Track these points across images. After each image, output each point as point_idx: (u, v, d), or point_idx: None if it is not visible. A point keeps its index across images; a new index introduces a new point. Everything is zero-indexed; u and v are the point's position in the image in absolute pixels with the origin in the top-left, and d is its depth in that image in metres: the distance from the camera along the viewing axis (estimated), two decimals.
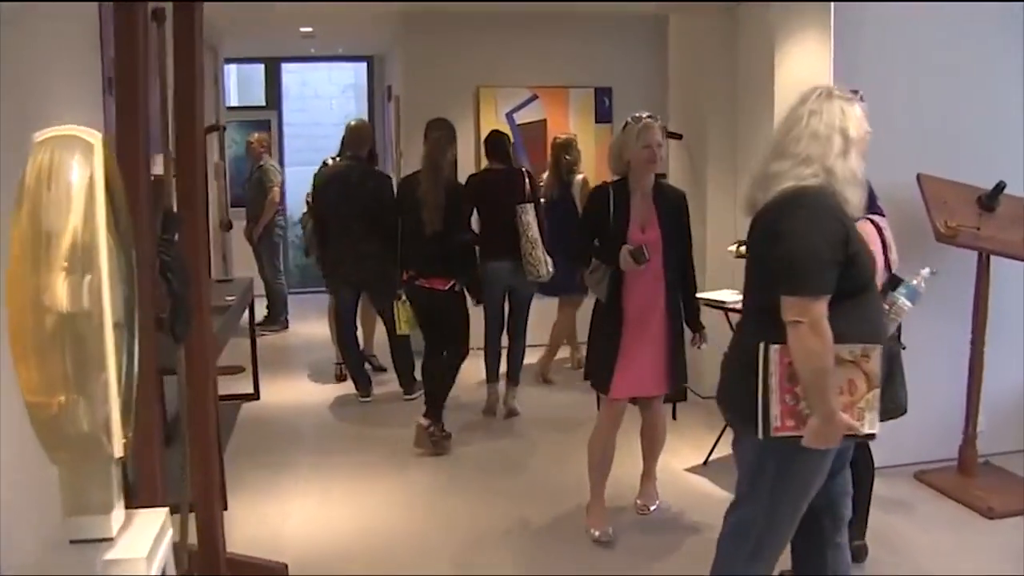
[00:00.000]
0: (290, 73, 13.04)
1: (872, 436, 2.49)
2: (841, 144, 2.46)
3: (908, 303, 3.06)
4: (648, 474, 4.28)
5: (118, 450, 2.01)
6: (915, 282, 3.11)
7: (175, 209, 3.12)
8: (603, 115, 7.57)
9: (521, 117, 7.44)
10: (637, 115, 3.84)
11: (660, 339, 3.86)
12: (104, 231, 1.94)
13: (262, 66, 11.06)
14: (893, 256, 3.30)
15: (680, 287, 3.93)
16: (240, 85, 13.63)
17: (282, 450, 5.21)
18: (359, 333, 6.55)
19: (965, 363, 4.36)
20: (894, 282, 3.18)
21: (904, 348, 3.28)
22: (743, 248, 4.52)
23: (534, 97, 7.48)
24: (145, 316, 2.89)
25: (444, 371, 5.22)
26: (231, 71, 12.74)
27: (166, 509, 2.37)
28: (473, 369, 5.73)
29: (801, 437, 2.41)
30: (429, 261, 5.11)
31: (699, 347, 4.07)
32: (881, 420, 3.32)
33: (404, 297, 5.33)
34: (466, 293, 5.35)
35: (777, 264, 2.41)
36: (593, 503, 3.99)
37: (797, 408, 2.41)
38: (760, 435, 2.43)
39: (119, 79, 2.71)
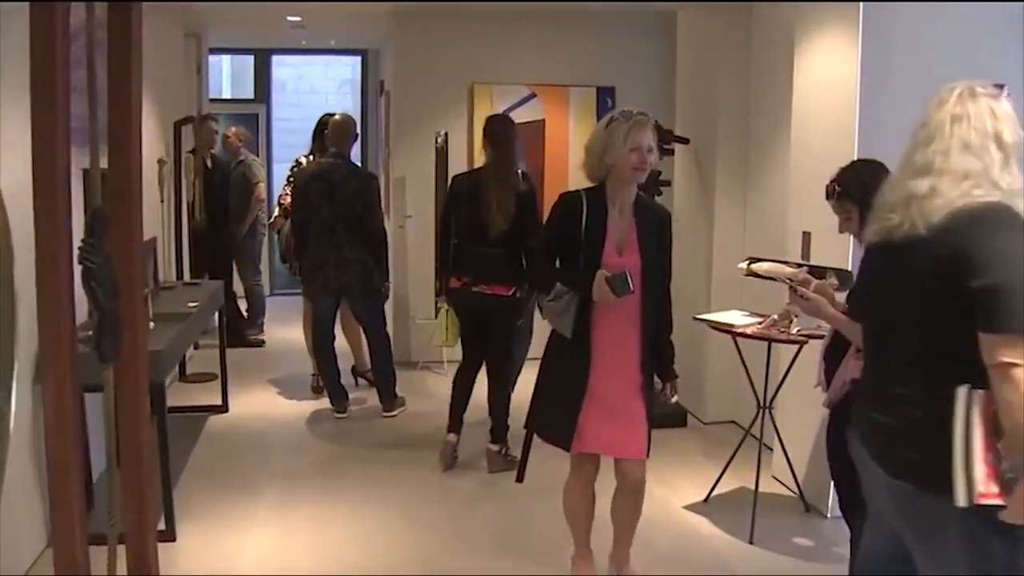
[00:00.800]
0: (285, 66, 12.71)
1: None
2: (999, 153, 2.06)
3: None
4: (621, 542, 3.52)
5: None
6: None
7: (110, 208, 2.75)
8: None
9: (518, 116, 6.91)
10: (626, 110, 3.24)
11: (634, 389, 3.25)
12: None
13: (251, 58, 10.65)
14: None
15: (655, 326, 3.31)
16: (234, 77, 13.26)
17: (246, 470, 4.78)
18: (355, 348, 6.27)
19: None
20: None
21: None
22: (755, 266, 4.15)
23: (532, 95, 7.08)
24: (65, 334, 2.52)
25: (498, 389, 4.84)
26: (224, 62, 12.37)
27: None
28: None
29: (1003, 507, 1.97)
30: (491, 266, 4.68)
31: (671, 400, 3.47)
32: None
33: (446, 306, 4.96)
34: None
35: (984, 296, 1.96)
36: (577, 554, 3.53)
37: (999, 470, 1.99)
38: (963, 502, 1.99)
39: (34, 66, 2.32)
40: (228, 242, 7.51)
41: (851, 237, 3.82)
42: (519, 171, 4.79)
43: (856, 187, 3.00)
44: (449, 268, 4.85)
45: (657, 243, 3.29)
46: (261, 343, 7.72)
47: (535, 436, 3.58)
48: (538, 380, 3.42)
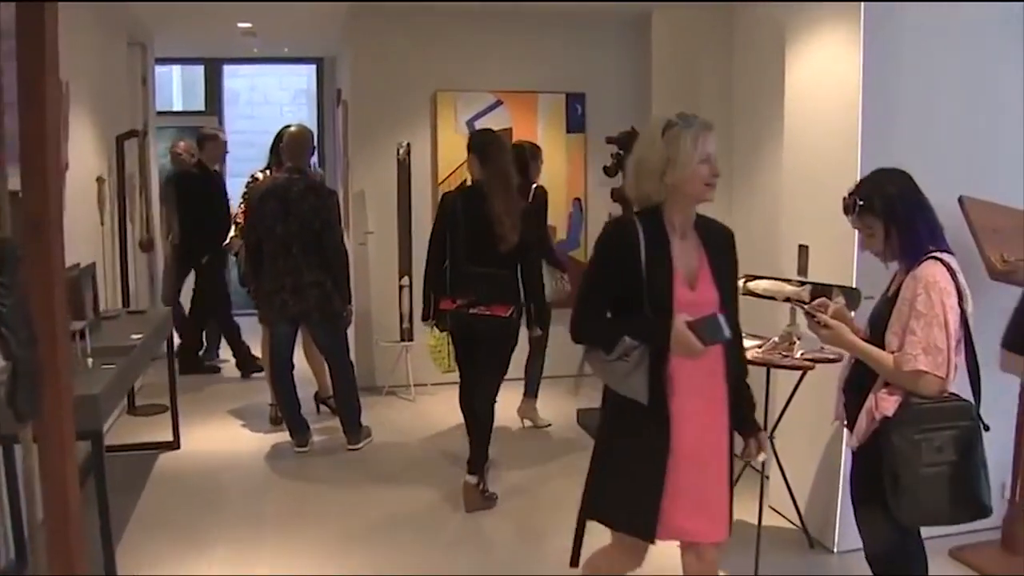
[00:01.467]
0: (237, 77, 12.33)
1: None
2: None
3: None
4: None
5: None
6: None
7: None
8: (575, 123, 6.87)
9: (484, 125, 6.65)
10: (682, 113, 2.57)
11: (720, 452, 2.62)
12: None
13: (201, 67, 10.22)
14: (969, 307, 2.58)
15: (737, 372, 2.70)
16: (184, 88, 12.82)
17: (199, 517, 4.36)
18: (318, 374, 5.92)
19: (1012, 418, 3.71)
20: None
21: (988, 429, 2.55)
22: (751, 284, 3.84)
23: (499, 103, 6.76)
24: None
25: (484, 411, 4.50)
26: (174, 73, 11.91)
27: None
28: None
29: None
30: (493, 287, 4.38)
31: (752, 461, 2.81)
32: (954, 523, 2.62)
33: (437, 329, 4.68)
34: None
35: None
36: None
37: None
38: None
39: None
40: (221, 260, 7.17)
41: (855, 249, 3.53)
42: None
43: (879, 200, 2.68)
44: (447, 290, 4.49)
45: (728, 269, 2.70)
46: (218, 369, 7.29)
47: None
48: (599, 456, 2.72)
